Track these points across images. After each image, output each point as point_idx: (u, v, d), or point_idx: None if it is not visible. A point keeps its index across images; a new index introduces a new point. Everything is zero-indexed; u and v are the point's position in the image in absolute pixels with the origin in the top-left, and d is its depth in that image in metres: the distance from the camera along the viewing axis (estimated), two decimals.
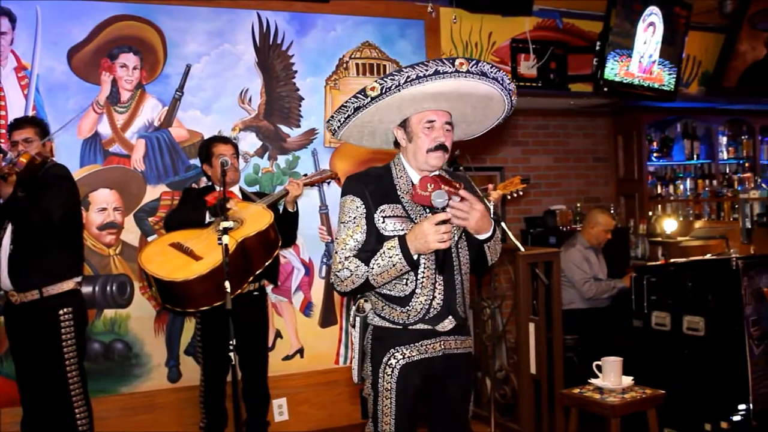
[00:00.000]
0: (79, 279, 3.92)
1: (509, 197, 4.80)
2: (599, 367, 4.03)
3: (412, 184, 2.65)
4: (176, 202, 4.51)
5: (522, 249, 4.68)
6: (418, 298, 2.61)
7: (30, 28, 4.44)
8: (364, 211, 2.61)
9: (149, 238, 4.62)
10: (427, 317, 2.63)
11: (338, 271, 2.59)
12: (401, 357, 2.63)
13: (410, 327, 2.64)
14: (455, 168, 4.72)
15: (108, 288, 4.59)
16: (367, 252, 2.58)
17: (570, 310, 5.53)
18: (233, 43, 4.91)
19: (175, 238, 3.96)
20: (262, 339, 4.44)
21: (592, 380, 4.05)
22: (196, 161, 4.63)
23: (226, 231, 3.52)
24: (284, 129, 5.05)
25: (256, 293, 4.30)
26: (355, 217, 2.61)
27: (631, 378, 4.01)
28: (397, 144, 2.75)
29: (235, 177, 4.30)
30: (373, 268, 2.53)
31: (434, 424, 2.79)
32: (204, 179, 4.57)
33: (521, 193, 4.82)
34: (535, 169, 7.47)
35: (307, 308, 5.09)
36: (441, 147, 2.61)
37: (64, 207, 3.76)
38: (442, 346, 2.69)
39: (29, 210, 3.63)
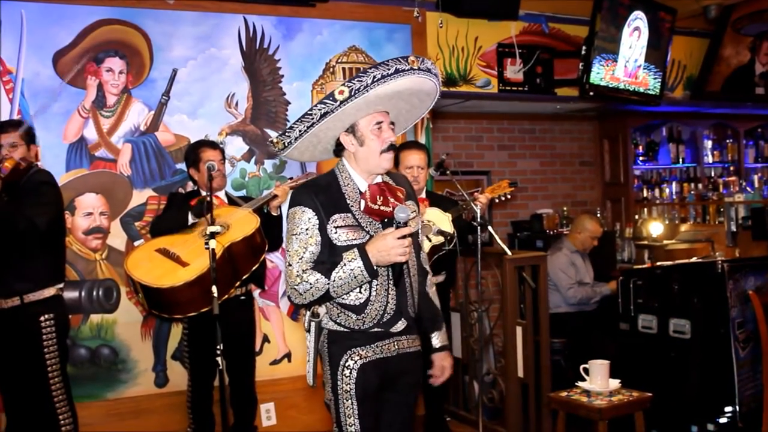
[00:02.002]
0: (61, 285, 3.88)
1: (497, 201, 4.81)
2: (586, 371, 4.04)
3: (360, 193, 2.69)
4: (162, 207, 4.50)
5: (509, 253, 4.70)
6: (372, 305, 2.67)
7: (15, 31, 4.42)
8: (317, 222, 2.63)
9: (136, 243, 4.60)
10: (381, 322, 2.70)
11: (296, 285, 2.60)
12: (358, 358, 2.68)
13: (364, 329, 2.70)
14: (442, 172, 4.74)
15: (94, 293, 4.57)
16: (322, 264, 2.61)
17: (557, 313, 5.55)
18: (220, 48, 4.91)
19: (161, 244, 3.96)
20: (250, 343, 4.44)
21: (580, 383, 4.06)
22: (182, 166, 4.61)
23: (213, 235, 3.51)
24: (271, 133, 5.03)
25: (243, 297, 4.30)
26: (307, 229, 2.62)
27: (618, 381, 4.02)
28: (337, 152, 2.78)
29: (221, 183, 4.30)
30: (334, 281, 2.56)
31: (383, 412, 2.82)
32: (190, 184, 4.56)
33: (509, 196, 4.83)
34: (521, 173, 7.50)
35: (294, 313, 5.07)
36: (392, 147, 2.68)
37: (49, 214, 3.71)
38: (396, 346, 2.76)
39: (14, 217, 3.60)
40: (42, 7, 4.48)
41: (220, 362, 3.51)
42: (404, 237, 2.52)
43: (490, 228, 4.49)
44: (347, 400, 2.67)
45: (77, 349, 4.50)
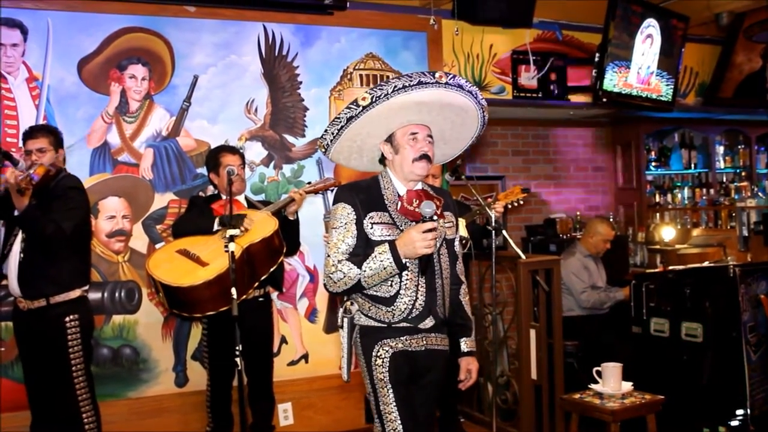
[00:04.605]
0: (86, 287, 3.98)
1: (509, 206, 4.86)
2: (599, 373, 4.09)
3: (399, 195, 2.85)
4: (183, 210, 4.58)
5: (523, 257, 4.74)
6: (402, 298, 2.79)
7: (41, 39, 4.52)
8: (355, 217, 2.80)
9: (157, 246, 4.68)
10: (410, 317, 2.81)
11: (331, 273, 2.77)
12: (389, 348, 2.81)
13: (394, 325, 2.81)
14: (457, 177, 4.80)
15: (116, 294, 4.65)
16: (358, 256, 2.77)
17: (570, 317, 5.59)
18: (239, 55, 5.00)
19: (182, 245, 4.03)
20: (268, 344, 4.50)
21: (592, 386, 4.10)
22: (203, 170, 4.70)
23: (232, 238, 3.59)
24: (289, 139, 5.13)
25: (261, 299, 4.36)
26: (346, 223, 2.80)
27: (631, 383, 4.06)
28: (382, 162, 2.95)
29: (241, 187, 4.36)
30: (365, 271, 2.72)
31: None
32: (210, 188, 4.65)
33: (521, 202, 4.88)
34: (535, 178, 7.55)
35: (311, 314, 5.15)
36: (425, 156, 2.83)
37: (76, 219, 3.82)
38: (425, 342, 2.87)
39: (43, 221, 3.69)
40: (67, 16, 4.57)
41: (238, 363, 3.58)
42: (429, 231, 2.65)
43: (504, 232, 4.54)
44: (383, 388, 2.80)
45: (100, 349, 4.58)
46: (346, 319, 2.88)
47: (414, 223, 2.80)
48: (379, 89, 2.68)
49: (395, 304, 2.79)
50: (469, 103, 2.85)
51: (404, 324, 2.81)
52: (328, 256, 2.80)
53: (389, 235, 2.78)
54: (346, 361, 2.89)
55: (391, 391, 2.79)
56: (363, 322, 2.86)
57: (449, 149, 3.10)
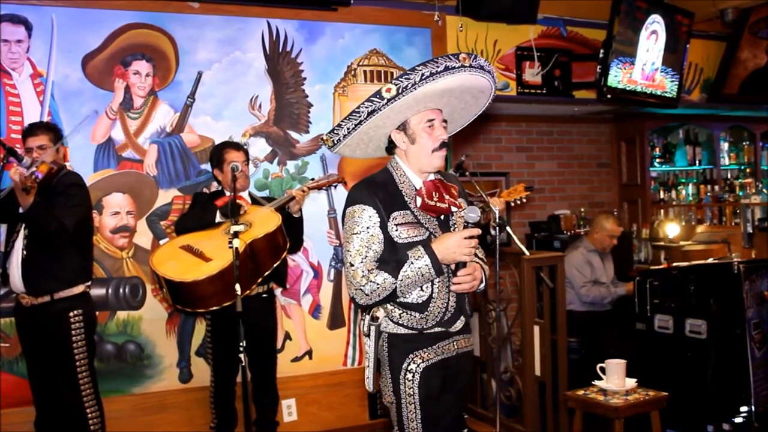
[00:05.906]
0: (88, 283, 4.00)
1: (513, 204, 4.85)
2: (603, 370, 4.09)
3: (416, 190, 2.71)
4: (187, 206, 4.58)
5: (527, 253, 4.74)
6: (435, 302, 2.67)
7: (45, 35, 4.52)
8: (378, 220, 2.62)
9: (161, 242, 4.69)
10: (443, 320, 2.70)
11: (362, 286, 2.59)
12: (421, 361, 2.67)
13: (426, 331, 2.68)
14: (461, 174, 4.79)
15: (121, 290, 4.66)
16: (386, 263, 2.62)
17: (570, 311, 5.57)
18: (244, 51, 4.99)
19: (186, 241, 4.05)
20: (272, 340, 4.50)
21: (596, 382, 4.11)
22: (207, 166, 4.71)
23: (236, 234, 3.58)
24: (293, 135, 5.13)
25: (265, 295, 4.37)
26: (368, 227, 2.62)
27: (635, 380, 4.07)
28: (389, 150, 2.80)
29: (245, 183, 4.37)
30: (401, 279, 2.57)
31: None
32: (215, 184, 4.65)
33: (525, 200, 4.88)
34: (539, 174, 7.53)
35: (315, 311, 5.15)
36: (444, 145, 2.69)
37: (78, 215, 3.83)
38: (456, 346, 2.77)
39: (47, 218, 3.70)
40: (72, 12, 4.57)
41: (242, 359, 3.59)
42: (471, 237, 2.57)
43: (508, 228, 4.53)
44: (410, 404, 2.66)
45: (104, 345, 4.59)
46: (373, 327, 2.70)
47: (436, 219, 2.69)
48: (406, 79, 2.50)
49: (429, 309, 2.66)
50: (488, 83, 2.71)
51: (437, 329, 2.69)
52: (352, 265, 2.60)
53: (415, 236, 2.64)
54: (372, 372, 2.74)
55: (418, 407, 2.66)
56: (391, 330, 2.69)
57: (450, 127, 2.92)
